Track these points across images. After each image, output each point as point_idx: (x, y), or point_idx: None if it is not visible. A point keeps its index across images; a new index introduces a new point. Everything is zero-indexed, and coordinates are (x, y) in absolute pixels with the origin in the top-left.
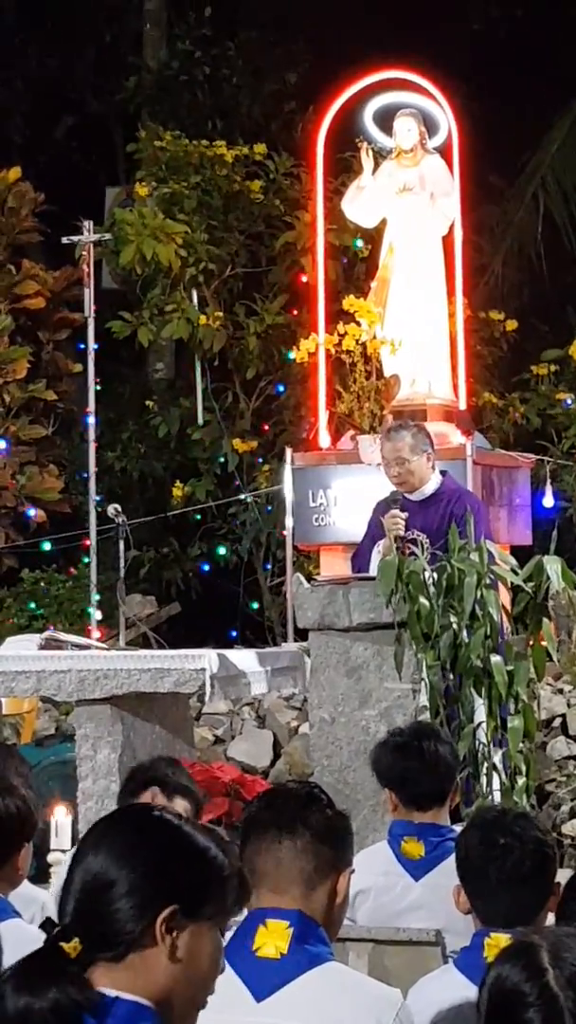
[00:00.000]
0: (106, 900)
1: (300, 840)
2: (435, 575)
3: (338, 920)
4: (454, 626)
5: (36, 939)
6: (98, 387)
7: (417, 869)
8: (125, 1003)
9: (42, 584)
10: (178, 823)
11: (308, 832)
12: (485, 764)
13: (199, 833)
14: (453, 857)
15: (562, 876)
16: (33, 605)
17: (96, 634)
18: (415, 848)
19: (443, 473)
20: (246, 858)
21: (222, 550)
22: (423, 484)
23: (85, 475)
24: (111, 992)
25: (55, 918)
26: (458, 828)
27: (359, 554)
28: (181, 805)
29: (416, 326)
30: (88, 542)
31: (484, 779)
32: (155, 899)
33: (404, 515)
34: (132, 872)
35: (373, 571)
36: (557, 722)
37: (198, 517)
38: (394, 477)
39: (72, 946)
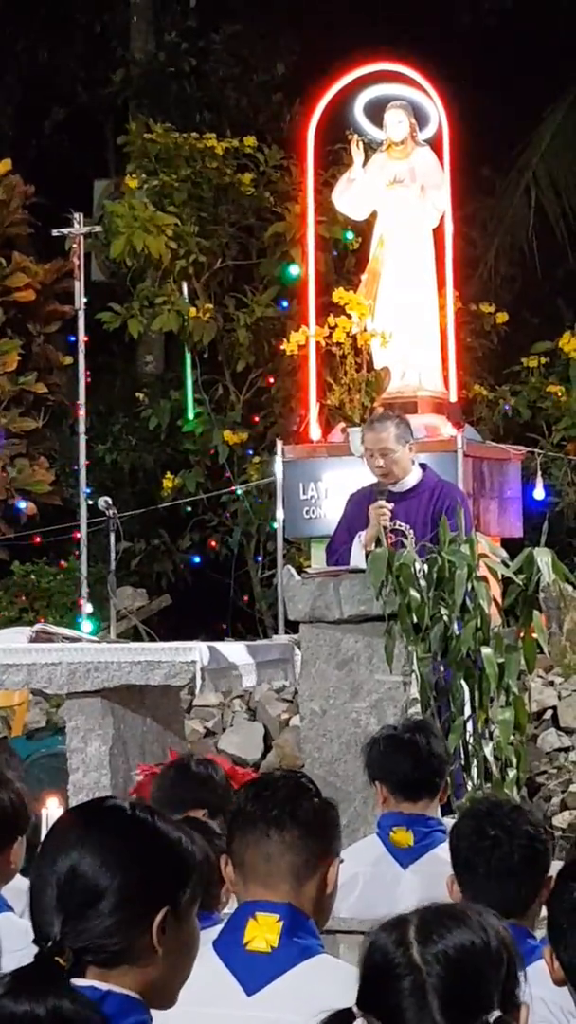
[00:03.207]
0: (98, 912)
1: (289, 834)
2: (425, 567)
3: (327, 910)
4: (445, 618)
5: (28, 932)
6: (88, 379)
7: (406, 857)
8: (116, 997)
9: (32, 577)
10: (152, 820)
11: (297, 826)
12: (476, 757)
13: (168, 825)
14: (441, 846)
15: (553, 869)
16: (23, 598)
17: (87, 627)
18: (404, 837)
19: (423, 466)
20: (234, 851)
21: (213, 542)
22: (405, 475)
23: (76, 467)
24: (102, 986)
25: None
26: (448, 821)
27: (335, 547)
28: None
29: (406, 318)
30: (79, 534)
31: (475, 771)
32: (148, 906)
33: (390, 506)
34: (124, 881)
35: (354, 562)
36: (548, 714)
37: (188, 509)
38: (378, 468)
39: (66, 958)
